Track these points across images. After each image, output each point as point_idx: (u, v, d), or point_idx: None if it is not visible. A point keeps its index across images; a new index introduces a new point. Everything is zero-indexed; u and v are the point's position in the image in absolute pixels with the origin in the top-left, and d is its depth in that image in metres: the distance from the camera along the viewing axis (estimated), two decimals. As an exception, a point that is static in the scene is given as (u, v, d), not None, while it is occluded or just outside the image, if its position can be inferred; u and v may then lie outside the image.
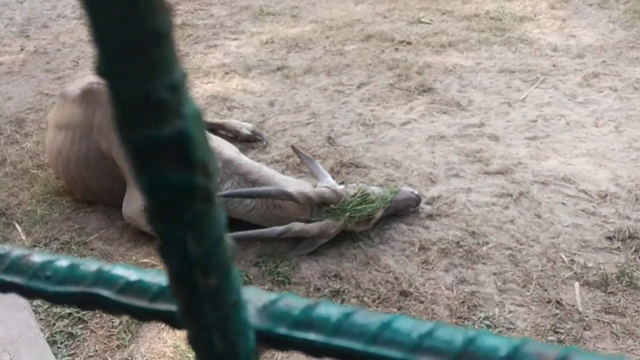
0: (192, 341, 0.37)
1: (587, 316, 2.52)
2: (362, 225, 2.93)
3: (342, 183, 3.43)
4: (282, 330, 0.37)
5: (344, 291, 2.71)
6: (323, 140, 3.86)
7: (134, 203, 2.96)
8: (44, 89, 4.83)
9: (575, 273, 2.73)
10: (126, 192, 3.03)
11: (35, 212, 3.26)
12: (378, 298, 2.67)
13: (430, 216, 3.14)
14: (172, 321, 0.38)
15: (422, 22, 5.68)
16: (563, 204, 3.15)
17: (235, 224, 3.16)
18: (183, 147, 0.28)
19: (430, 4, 6.09)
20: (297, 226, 2.77)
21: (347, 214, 2.84)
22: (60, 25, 6.26)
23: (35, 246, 3.02)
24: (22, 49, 5.70)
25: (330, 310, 0.36)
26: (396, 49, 5.16)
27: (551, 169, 3.41)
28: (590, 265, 2.77)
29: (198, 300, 0.34)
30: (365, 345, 0.34)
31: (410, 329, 0.34)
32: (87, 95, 3.11)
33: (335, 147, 3.78)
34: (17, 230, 3.14)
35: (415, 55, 4.97)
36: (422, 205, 3.20)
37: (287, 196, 2.81)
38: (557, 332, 2.47)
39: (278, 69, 4.91)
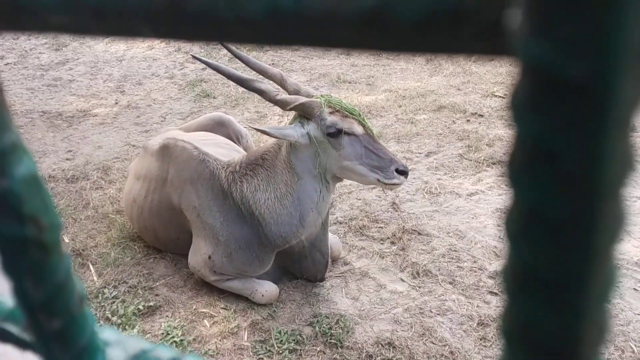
0: None
1: (657, 414, 2.34)
2: None
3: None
4: None
5: (396, 360, 2.66)
6: (387, 205, 3.89)
7: (198, 254, 3.07)
8: (132, 140, 5.18)
9: (645, 365, 2.56)
10: (192, 244, 3.15)
11: (109, 254, 3.45)
12: (431, 371, 2.60)
13: (492, 291, 3.06)
14: None
15: (495, 96, 5.69)
16: (635, 290, 2.98)
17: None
18: (10, 204, 0.32)
19: (505, 78, 6.11)
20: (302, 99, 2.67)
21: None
22: (153, 83, 6.75)
23: (104, 287, 3.18)
24: (116, 103, 6.17)
25: None
26: (468, 120, 5.18)
27: (624, 252, 3.25)
28: (663, 358, 2.59)
29: (45, 340, 0.37)
30: None
31: None
32: (163, 150, 3.29)
33: (399, 212, 3.79)
34: (91, 270, 3.33)
35: (487, 128, 4.97)
36: (484, 279, 3.13)
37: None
38: None
39: (349, 134, 5.03)
